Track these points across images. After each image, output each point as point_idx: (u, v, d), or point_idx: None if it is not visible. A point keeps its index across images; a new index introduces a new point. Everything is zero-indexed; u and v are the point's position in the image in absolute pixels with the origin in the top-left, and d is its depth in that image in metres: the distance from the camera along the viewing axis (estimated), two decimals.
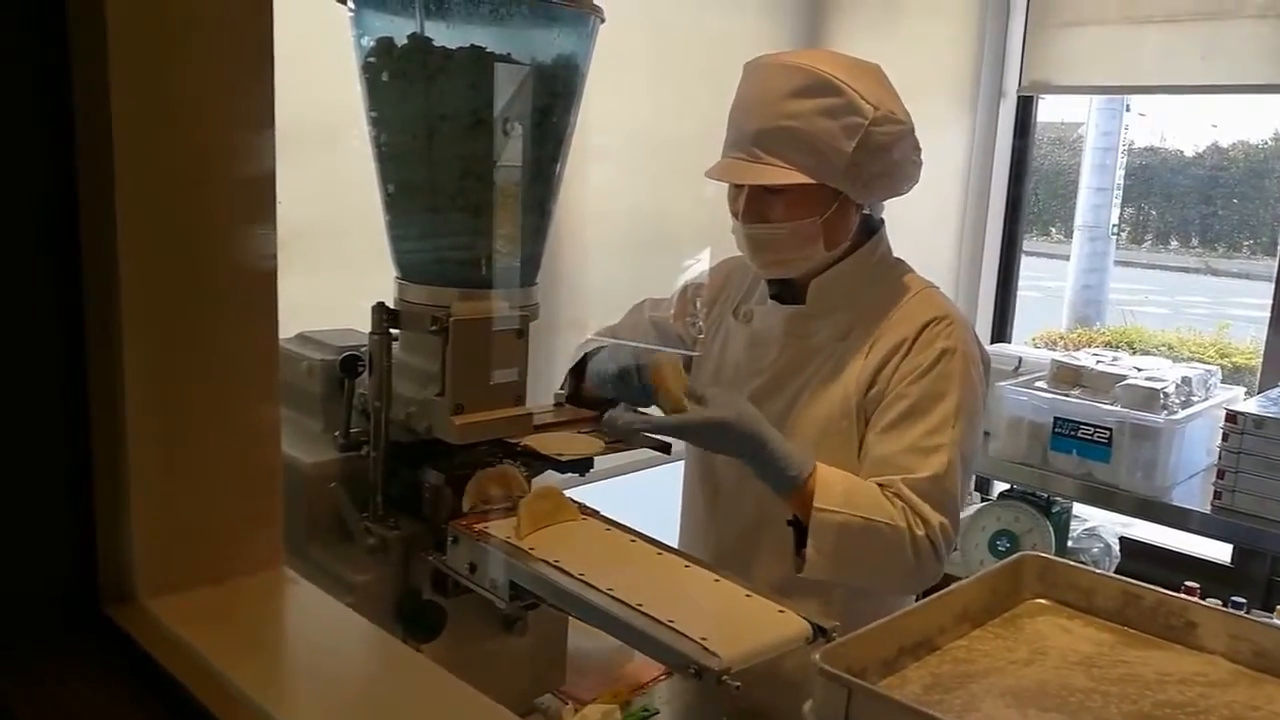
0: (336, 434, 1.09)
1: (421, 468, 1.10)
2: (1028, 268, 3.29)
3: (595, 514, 1.13)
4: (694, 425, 1.18)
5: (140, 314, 0.62)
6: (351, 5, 1.05)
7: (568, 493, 1.14)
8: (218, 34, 0.62)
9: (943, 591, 0.96)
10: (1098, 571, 1.03)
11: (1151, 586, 0.99)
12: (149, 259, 0.62)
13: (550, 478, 1.19)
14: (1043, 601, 1.02)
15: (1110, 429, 2.35)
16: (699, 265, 2.23)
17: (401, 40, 1.01)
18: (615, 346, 1.35)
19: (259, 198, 0.64)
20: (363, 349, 1.10)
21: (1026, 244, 3.28)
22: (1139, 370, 2.46)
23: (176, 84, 0.61)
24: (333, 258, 1.57)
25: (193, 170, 0.62)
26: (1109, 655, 0.94)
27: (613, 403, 1.23)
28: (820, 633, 0.91)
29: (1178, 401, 2.37)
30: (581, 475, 1.19)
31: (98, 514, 0.65)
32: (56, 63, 0.60)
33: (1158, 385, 2.34)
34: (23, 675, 0.62)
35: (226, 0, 0.62)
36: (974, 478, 2.67)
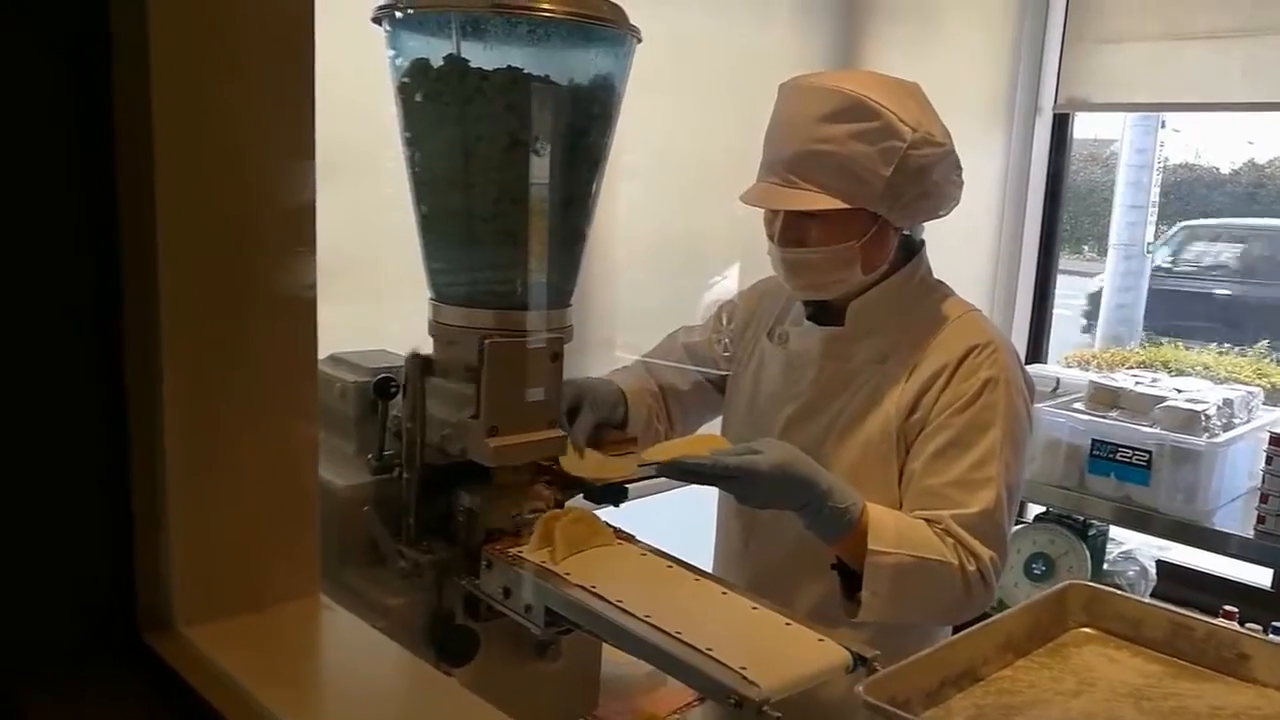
0: (370, 456, 1.09)
1: (455, 491, 1.09)
2: (1059, 286, 3.25)
3: (631, 539, 1.11)
4: (750, 469, 1.13)
5: (180, 340, 0.62)
6: (387, 26, 1.06)
7: (599, 513, 1.12)
8: (260, 64, 0.62)
9: (986, 621, 0.94)
10: (1146, 601, 1.01)
11: (1202, 617, 0.96)
12: (190, 286, 0.62)
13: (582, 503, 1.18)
14: (1088, 631, 1.00)
15: (1150, 452, 2.31)
16: (727, 282, 2.22)
17: (438, 62, 1.02)
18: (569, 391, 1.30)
19: (299, 225, 0.64)
20: (396, 370, 1.10)
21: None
22: (1179, 392, 2.41)
23: (218, 113, 0.62)
24: (359, 284, 1.57)
25: (234, 198, 0.63)
26: (1158, 687, 0.91)
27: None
28: (861, 662, 0.90)
29: (1219, 424, 2.32)
30: (616, 506, 1.18)
31: (136, 541, 0.65)
32: (99, 92, 0.60)
33: (1198, 407, 2.30)
34: (62, 701, 0.62)
35: (269, 31, 0.62)
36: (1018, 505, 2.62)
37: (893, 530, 1.19)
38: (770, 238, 1.34)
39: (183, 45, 0.59)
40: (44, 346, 0.61)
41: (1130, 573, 2.55)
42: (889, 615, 1.20)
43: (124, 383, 0.63)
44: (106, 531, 0.64)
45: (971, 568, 1.22)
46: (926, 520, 1.24)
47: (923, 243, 1.41)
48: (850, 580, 1.21)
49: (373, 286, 1.58)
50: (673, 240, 2.23)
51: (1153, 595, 2.50)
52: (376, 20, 1.05)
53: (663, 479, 1.25)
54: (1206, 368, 3.35)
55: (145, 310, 0.62)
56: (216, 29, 0.60)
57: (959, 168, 1.33)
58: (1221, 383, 2.77)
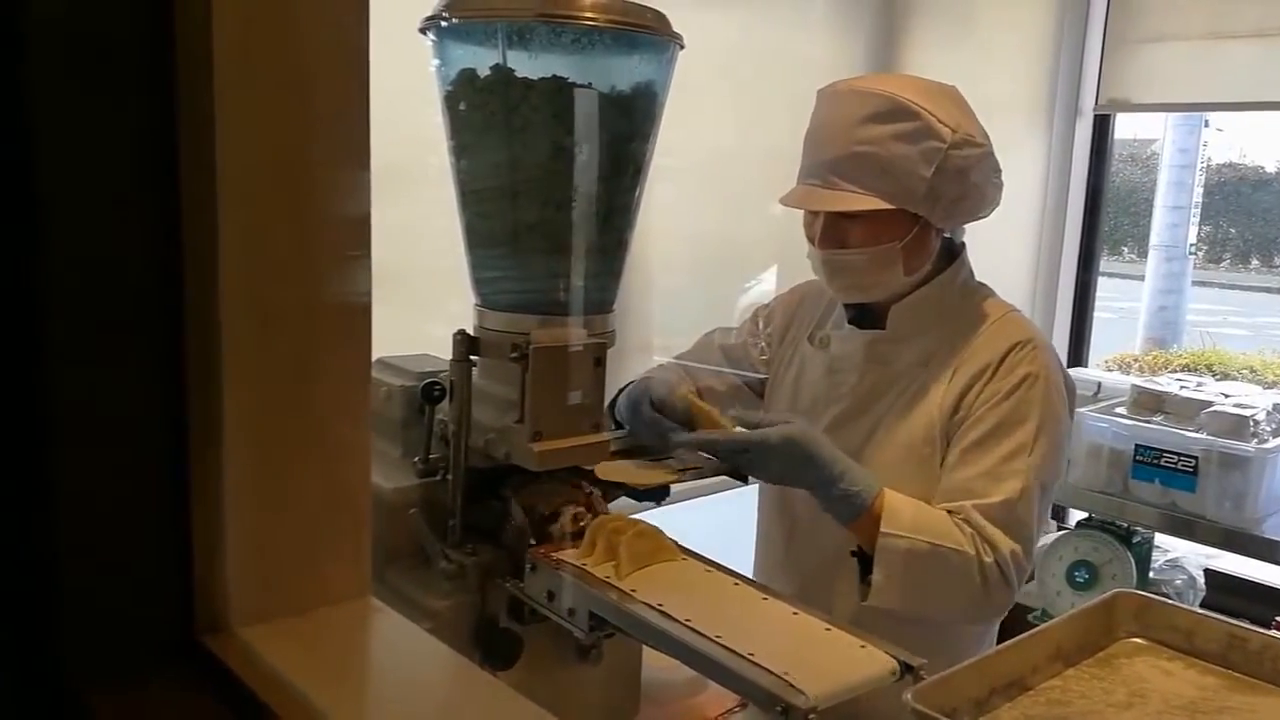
0: (416, 460, 1.10)
1: (499, 494, 1.10)
2: (1099, 288, 3.21)
3: (695, 555, 1.10)
4: (760, 441, 1.15)
5: (240, 348, 0.63)
6: (433, 36, 1.07)
7: (638, 517, 1.12)
8: (318, 77, 0.63)
9: (1035, 630, 0.93)
10: (1199, 611, 0.99)
11: (1257, 628, 0.94)
12: (249, 295, 0.63)
13: (624, 504, 1.18)
14: (1139, 641, 0.98)
15: (1196, 458, 2.26)
16: (764, 286, 2.22)
17: (484, 71, 1.03)
18: (635, 385, 1.33)
19: (356, 234, 0.65)
20: (441, 375, 1.11)
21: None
22: (1226, 396, 2.37)
23: (278, 125, 0.63)
24: (403, 289, 1.59)
25: (293, 208, 0.64)
26: (1213, 700, 0.90)
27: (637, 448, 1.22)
28: (907, 670, 0.89)
29: (1269, 429, 2.28)
30: (658, 504, 1.19)
31: (195, 545, 0.67)
32: (164, 104, 0.62)
33: (1247, 412, 2.25)
34: (124, 700, 0.63)
35: (327, 45, 0.63)
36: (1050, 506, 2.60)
37: (909, 516, 1.19)
38: (811, 240, 1.34)
39: (245, 60, 0.61)
40: (108, 356, 0.63)
41: (1178, 581, 2.50)
42: (901, 601, 1.19)
43: (185, 390, 0.65)
44: (166, 536, 0.66)
45: (989, 559, 1.20)
46: (949, 510, 1.23)
47: (963, 245, 1.40)
48: (868, 565, 1.20)
49: (417, 292, 1.59)
50: (710, 244, 2.23)
51: (1202, 605, 2.45)
52: (423, 30, 1.06)
53: (702, 480, 1.26)
54: (1253, 371, 3.28)
55: (206, 318, 0.63)
56: (277, 44, 0.62)
57: (998, 169, 1.33)
58: (1270, 387, 2.72)
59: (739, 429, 1.20)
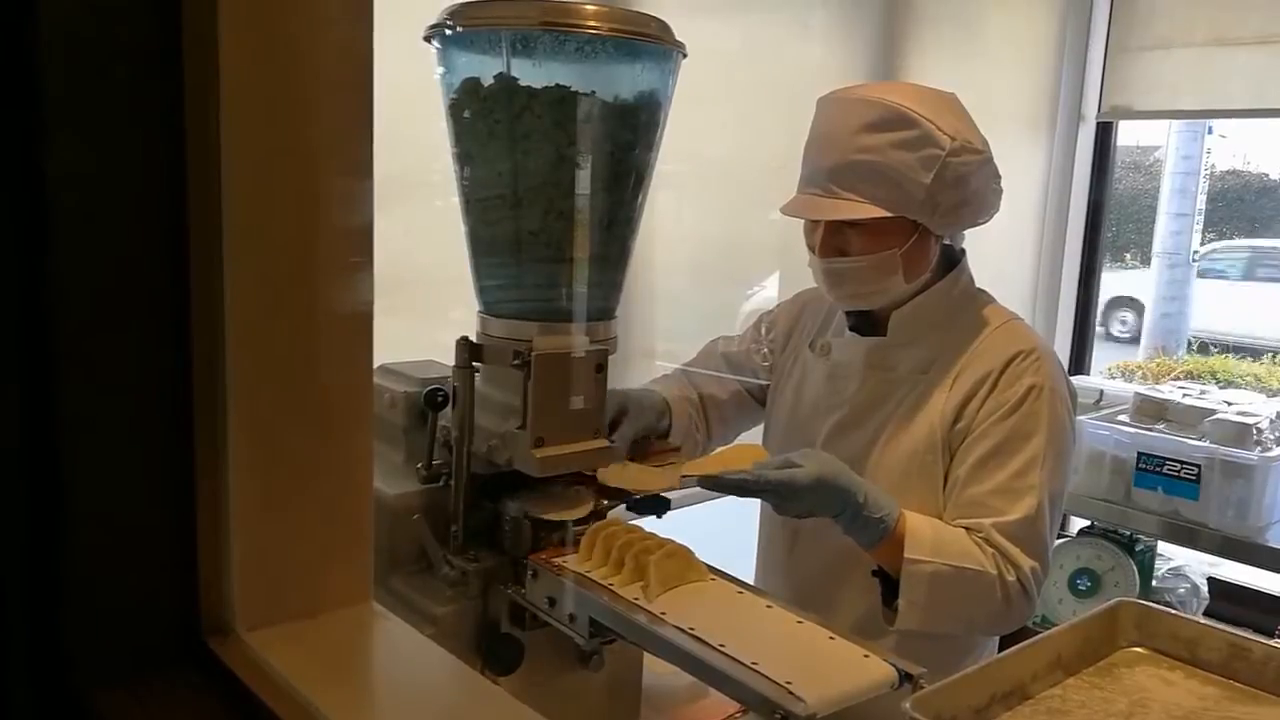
0: (419, 465, 1.11)
1: (501, 500, 1.10)
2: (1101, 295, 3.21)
3: (724, 575, 1.08)
4: (791, 483, 1.14)
5: (244, 355, 0.64)
6: (437, 44, 1.08)
7: (637, 523, 1.12)
8: (324, 93, 0.64)
9: (1035, 638, 0.93)
10: (1201, 621, 0.99)
11: (1259, 638, 0.94)
12: (254, 302, 0.64)
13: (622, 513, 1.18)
14: (1140, 650, 0.98)
15: (1199, 465, 2.26)
16: (767, 292, 2.22)
17: (488, 80, 1.03)
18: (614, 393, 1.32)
19: (359, 244, 0.65)
20: (444, 381, 1.11)
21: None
22: (1229, 404, 2.37)
23: (283, 134, 0.63)
24: (407, 297, 1.60)
25: (297, 217, 0.64)
26: (1215, 711, 0.89)
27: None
28: (907, 679, 0.89)
29: (1272, 438, 2.28)
30: (659, 517, 1.18)
31: (200, 551, 0.67)
32: (173, 111, 0.62)
33: (1250, 420, 2.25)
34: (131, 702, 0.64)
35: (332, 58, 0.64)
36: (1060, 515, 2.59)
37: (930, 539, 1.19)
38: (811, 249, 1.34)
39: (251, 70, 0.61)
40: (116, 363, 0.63)
41: (1181, 590, 2.50)
42: (927, 624, 1.20)
43: (191, 397, 0.65)
44: (172, 541, 0.66)
45: (1011, 577, 1.21)
46: (966, 529, 1.23)
47: (963, 252, 1.40)
48: (891, 587, 1.20)
49: (421, 299, 1.60)
50: (712, 250, 2.24)
51: (1206, 614, 2.45)
52: (427, 39, 1.07)
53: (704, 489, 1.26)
54: (1258, 379, 3.27)
55: (211, 324, 0.64)
56: (282, 55, 0.62)
57: (998, 176, 1.33)
58: (1274, 395, 2.72)
59: (761, 470, 1.16)
